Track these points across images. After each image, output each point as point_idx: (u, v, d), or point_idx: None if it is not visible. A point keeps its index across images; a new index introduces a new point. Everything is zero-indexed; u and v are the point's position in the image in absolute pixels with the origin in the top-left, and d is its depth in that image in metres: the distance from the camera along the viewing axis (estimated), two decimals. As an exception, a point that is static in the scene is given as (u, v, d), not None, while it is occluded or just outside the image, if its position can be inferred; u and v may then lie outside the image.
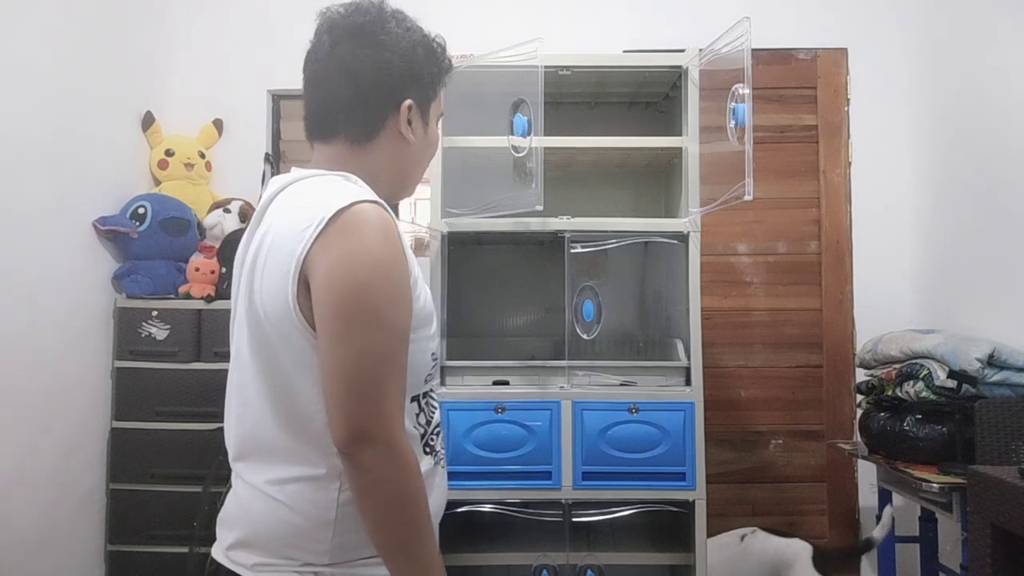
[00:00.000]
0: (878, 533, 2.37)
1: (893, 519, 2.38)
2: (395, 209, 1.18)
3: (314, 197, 1.06)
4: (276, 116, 3.06)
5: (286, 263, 1.02)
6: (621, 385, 2.18)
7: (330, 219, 1.00)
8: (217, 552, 1.13)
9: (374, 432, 0.98)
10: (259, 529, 1.07)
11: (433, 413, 1.19)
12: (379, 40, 1.13)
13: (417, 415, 1.13)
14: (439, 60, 1.20)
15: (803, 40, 2.95)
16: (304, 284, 1.01)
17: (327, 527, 1.05)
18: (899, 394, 2.19)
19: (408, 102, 1.15)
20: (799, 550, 2.32)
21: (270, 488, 1.07)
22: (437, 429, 1.19)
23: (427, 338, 1.13)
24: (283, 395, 1.06)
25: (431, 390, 1.19)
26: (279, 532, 1.06)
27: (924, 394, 2.09)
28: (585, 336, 2.05)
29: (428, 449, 1.16)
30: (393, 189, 1.20)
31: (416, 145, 1.18)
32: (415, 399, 1.13)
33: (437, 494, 1.17)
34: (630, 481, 2.11)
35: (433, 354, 1.16)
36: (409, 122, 1.16)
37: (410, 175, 1.22)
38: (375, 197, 1.07)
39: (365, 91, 1.13)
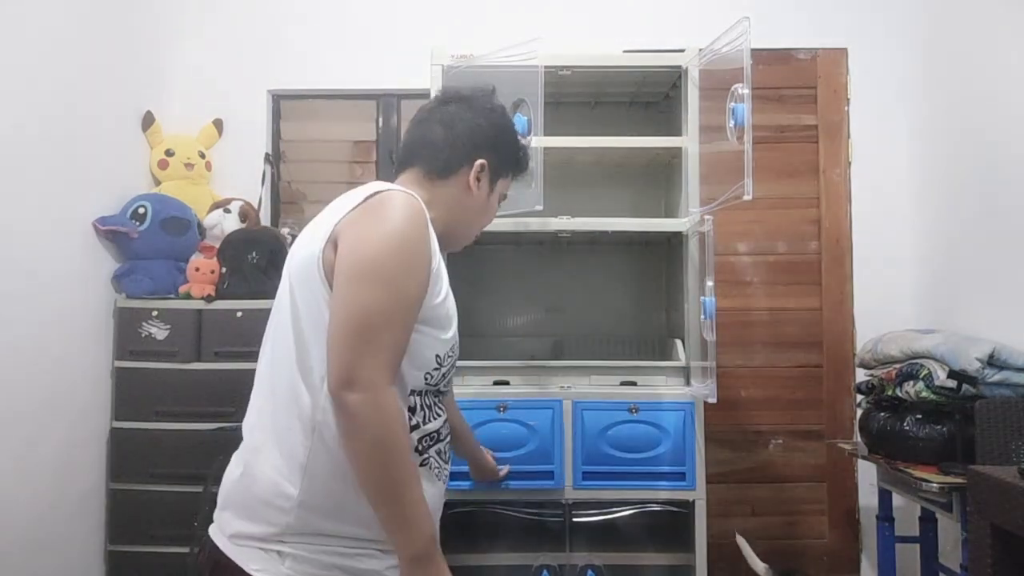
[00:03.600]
0: None
1: None
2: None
3: (363, 188, 1.20)
4: (276, 116, 3.05)
5: (322, 230, 1.15)
6: (621, 385, 2.18)
7: (367, 197, 1.16)
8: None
9: (362, 378, 1.05)
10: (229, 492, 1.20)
11: (431, 419, 1.21)
12: (480, 109, 1.36)
13: (411, 410, 1.17)
14: (518, 149, 1.43)
15: (803, 40, 2.95)
16: (332, 245, 1.13)
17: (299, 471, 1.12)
18: (899, 394, 2.19)
19: (482, 161, 1.33)
20: None
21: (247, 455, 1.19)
22: (428, 436, 1.21)
23: (436, 338, 1.18)
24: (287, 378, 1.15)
25: (429, 392, 1.21)
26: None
27: (924, 394, 2.09)
28: (710, 336, 1.99)
29: (417, 450, 1.18)
30: (444, 230, 1.30)
31: (475, 199, 1.34)
32: (414, 392, 1.17)
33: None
34: (630, 481, 2.11)
35: (438, 356, 1.19)
36: (478, 179, 1.33)
37: (462, 223, 1.36)
38: (416, 195, 1.19)
39: (454, 138, 1.32)
